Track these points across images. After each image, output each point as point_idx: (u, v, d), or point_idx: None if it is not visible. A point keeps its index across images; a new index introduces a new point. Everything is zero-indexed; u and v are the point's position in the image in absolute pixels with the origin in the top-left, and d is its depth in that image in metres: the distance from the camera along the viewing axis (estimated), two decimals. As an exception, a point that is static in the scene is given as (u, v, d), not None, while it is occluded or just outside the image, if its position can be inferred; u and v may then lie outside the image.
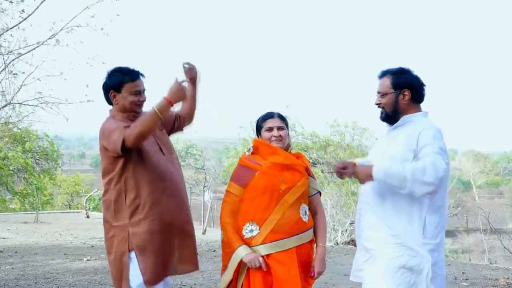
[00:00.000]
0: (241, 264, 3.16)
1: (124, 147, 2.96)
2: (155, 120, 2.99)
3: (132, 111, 3.20)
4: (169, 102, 3.03)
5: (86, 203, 23.04)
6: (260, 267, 3.11)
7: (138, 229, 3.07)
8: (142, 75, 3.24)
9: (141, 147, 3.07)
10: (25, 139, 18.67)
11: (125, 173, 3.08)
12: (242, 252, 3.15)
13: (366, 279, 3.05)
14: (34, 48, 11.95)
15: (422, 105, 3.11)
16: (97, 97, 13.03)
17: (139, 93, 3.20)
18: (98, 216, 20.35)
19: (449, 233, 34.94)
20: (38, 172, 20.13)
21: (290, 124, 17.73)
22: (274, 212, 3.16)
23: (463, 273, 7.95)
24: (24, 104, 13.09)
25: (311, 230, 3.28)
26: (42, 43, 11.91)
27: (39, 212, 21.04)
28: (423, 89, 3.07)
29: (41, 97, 12.71)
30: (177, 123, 3.55)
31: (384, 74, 3.10)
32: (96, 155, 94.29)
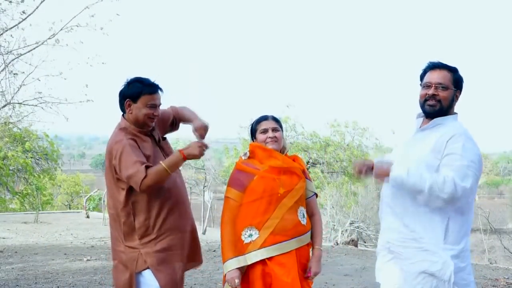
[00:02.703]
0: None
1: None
2: (164, 176, 3.02)
3: (145, 124, 3.19)
4: (183, 157, 3.05)
5: (86, 203, 23.02)
6: (259, 268, 3.12)
7: (150, 250, 3.10)
8: (161, 89, 3.23)
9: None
10: (25, 139, 18.66)
11: (133, 196, 3.09)
12: (227, 267, 3.16)
13: (386, 281, 3.00)
14: (34, 48, 11.94)
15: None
16: (97, 97, 13.07)
17: (155, 107, 3.18)
18: (98, 216, 20.35)
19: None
20: (38, 172, 20.12)
21: (290, 124, 17.69)
22: (273, 216, 3.15)
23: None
24: (24, 104, 13.08)
25: (309, 233, 3.29)
26: (42, 43, 11.90)
27: (39, 212, 21.03)
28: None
29: (41, 97, 12.71)
30: (175, 127, 3.55)
31: (443, 67, 2.95)
32: (96, 155, 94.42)
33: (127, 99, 3.18)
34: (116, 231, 3.19)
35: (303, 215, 3.25)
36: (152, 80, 3.23)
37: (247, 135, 21.13)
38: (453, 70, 2.95)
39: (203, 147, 3.08)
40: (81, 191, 36.50)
